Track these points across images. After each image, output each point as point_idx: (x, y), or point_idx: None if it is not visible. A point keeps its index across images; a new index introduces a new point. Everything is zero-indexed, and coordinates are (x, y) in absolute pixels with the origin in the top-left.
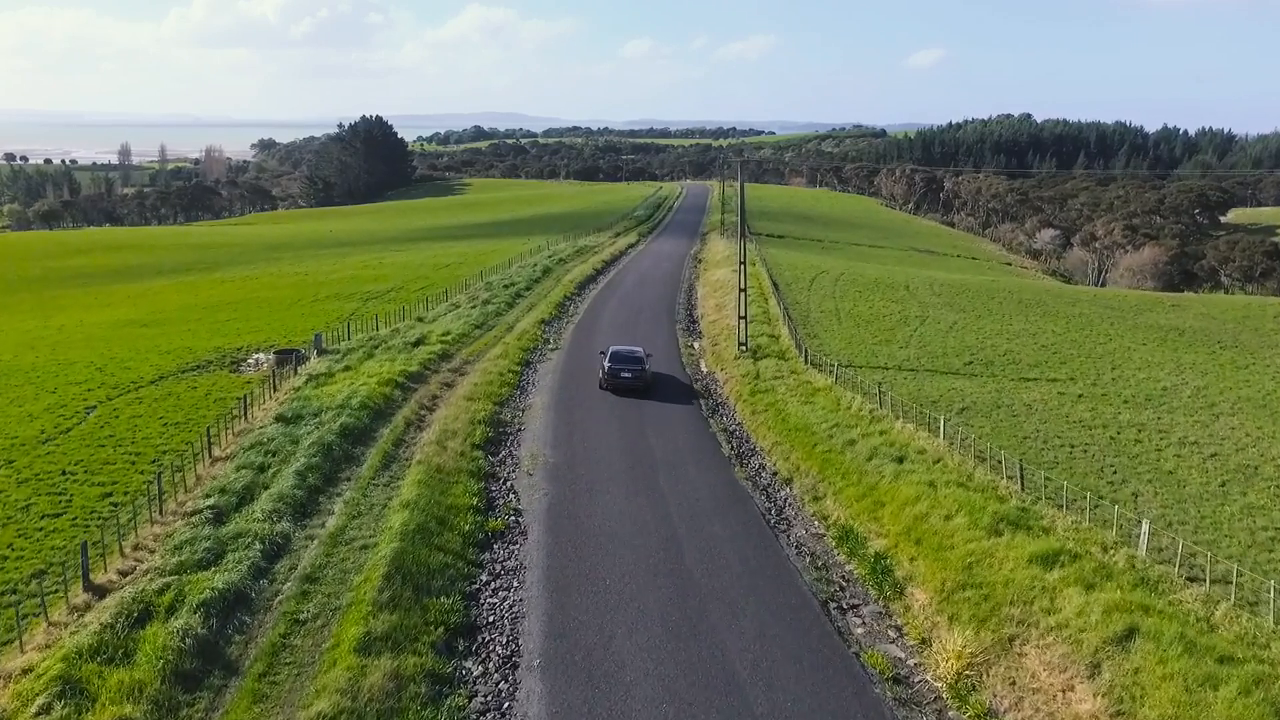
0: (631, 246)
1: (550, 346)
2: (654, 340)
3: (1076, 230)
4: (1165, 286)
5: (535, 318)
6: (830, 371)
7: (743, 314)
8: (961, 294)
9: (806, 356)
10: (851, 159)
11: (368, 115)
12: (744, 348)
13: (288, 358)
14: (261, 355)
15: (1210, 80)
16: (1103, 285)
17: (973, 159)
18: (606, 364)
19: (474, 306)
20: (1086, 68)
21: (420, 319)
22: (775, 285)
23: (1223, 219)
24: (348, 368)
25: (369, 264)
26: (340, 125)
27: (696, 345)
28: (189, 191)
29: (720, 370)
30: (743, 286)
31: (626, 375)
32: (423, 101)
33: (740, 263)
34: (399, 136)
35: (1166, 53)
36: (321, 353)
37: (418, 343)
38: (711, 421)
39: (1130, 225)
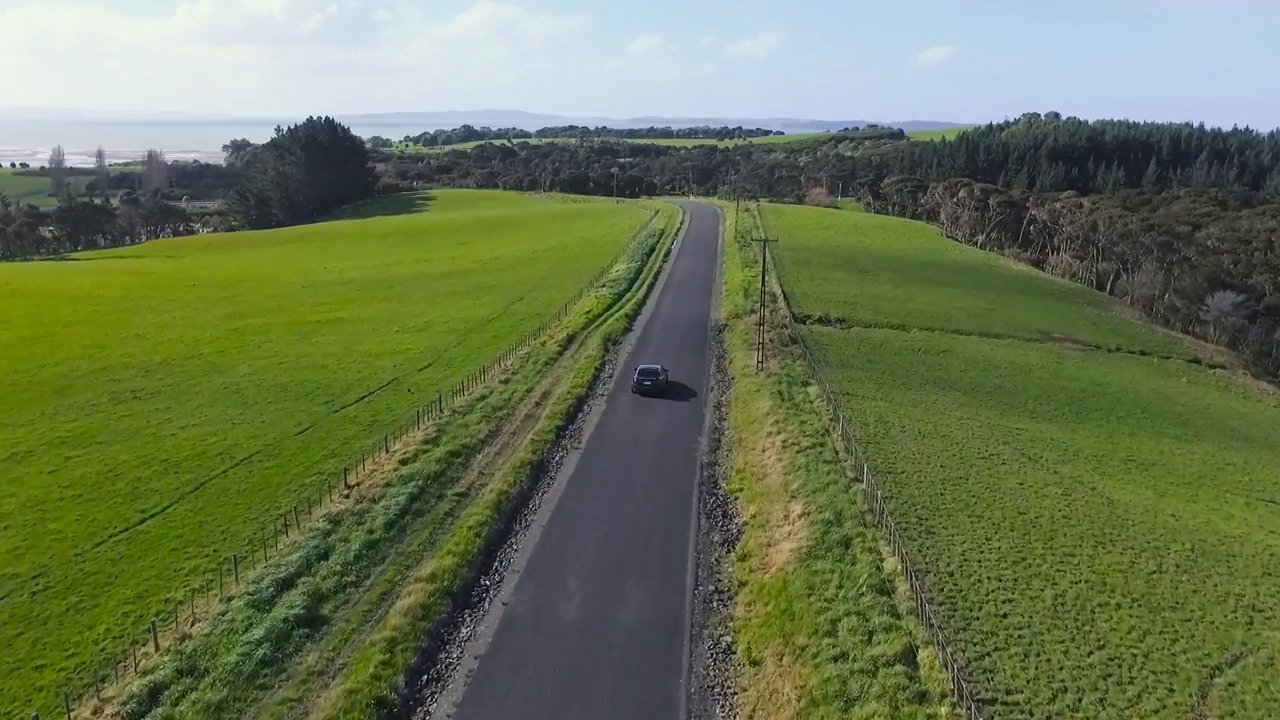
0: (579, 411)
1: None
2: None
3: (1254, 286)
4: None
5: None
6: None
7: None
8: None
9: None
10: (875, 165)
11: (314, 117)
12: None
13: None
14: None
15: (1220, 77)
16: None
17: (1026, 168)
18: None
19: None
20: (1096, 66)
21: None
22: None
23: None
24: None
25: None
26: (279, 129)
27: None
28: (74, 214)
29: None
30: None
31: (648, 383)
32: (426, 99)
33: None
34: (356, 141)
35: (1176, 51)
36: None
37: None
38: None
39: None
